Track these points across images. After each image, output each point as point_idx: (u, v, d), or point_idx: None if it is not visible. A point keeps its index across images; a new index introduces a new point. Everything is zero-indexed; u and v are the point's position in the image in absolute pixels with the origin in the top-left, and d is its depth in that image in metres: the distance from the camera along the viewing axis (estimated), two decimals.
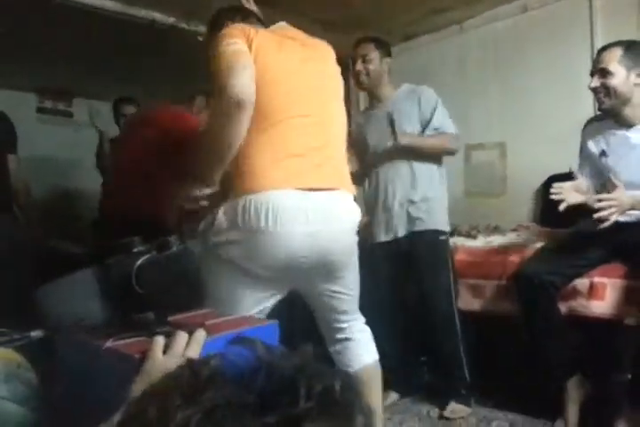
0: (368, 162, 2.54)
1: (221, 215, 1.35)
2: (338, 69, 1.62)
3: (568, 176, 2.96)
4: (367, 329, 1.71)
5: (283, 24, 1.62)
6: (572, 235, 2.21)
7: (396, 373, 2.30)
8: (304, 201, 1.35)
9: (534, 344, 2.12)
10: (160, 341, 0.78)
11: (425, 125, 2.40)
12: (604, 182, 2.08)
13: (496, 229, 3.20)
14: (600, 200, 1.85)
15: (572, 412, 2.01)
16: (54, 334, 1.01)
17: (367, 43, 2.50)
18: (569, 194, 1.90)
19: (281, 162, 1.36)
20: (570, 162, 2.93)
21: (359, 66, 2.46)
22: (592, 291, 2.05)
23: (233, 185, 1.36)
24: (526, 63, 3.32)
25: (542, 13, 3.25)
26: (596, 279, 2.05)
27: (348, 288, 1.59)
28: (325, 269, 1.48)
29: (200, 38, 3.48)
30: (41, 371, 0.95)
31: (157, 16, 3.27)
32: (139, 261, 0.90)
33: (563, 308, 2.09)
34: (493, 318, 2.34)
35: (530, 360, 2.18)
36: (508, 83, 3.39)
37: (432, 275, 2.35)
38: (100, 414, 0.84)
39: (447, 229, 2.46)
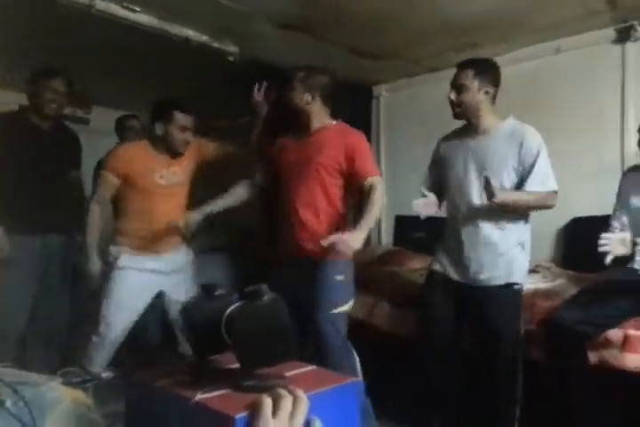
0: (449, 198, 2.35)
1: None
2: None
3: (592, 219, 2.99)
4: None
5: None
6: (606, 283, 2.19)
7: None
8: None
9: (563, 392, 2.09)
10: (269, 402, 0.74)
11: (523, 175, 2.15)
12: None
13: None
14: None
15: None
16: (125, 376, 0.96)
17: (463, 69, 2.21)
18: (616, 246, 1.88)
19: None
20: (595, 204, 2.97)
21: (452, 95, 2.22)
22: (627, 344, 2.01)
23: None
24: (554, 103, 3.32)
25: (574, 56, 3.28)
26: (632, 332, 2.02)
27: None
28: None
29: (231, 59, 3.50)
30: (105, 414, 0.90)
31: (191, 33, 3.26)
32: (229, 310, 0.86)
33: (593, 358, 2.06)
34: None
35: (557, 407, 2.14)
36: (533, 122, 3.39)
37: (500, 323, 2.17)
38: None
39: (523, 279, 2.24)
